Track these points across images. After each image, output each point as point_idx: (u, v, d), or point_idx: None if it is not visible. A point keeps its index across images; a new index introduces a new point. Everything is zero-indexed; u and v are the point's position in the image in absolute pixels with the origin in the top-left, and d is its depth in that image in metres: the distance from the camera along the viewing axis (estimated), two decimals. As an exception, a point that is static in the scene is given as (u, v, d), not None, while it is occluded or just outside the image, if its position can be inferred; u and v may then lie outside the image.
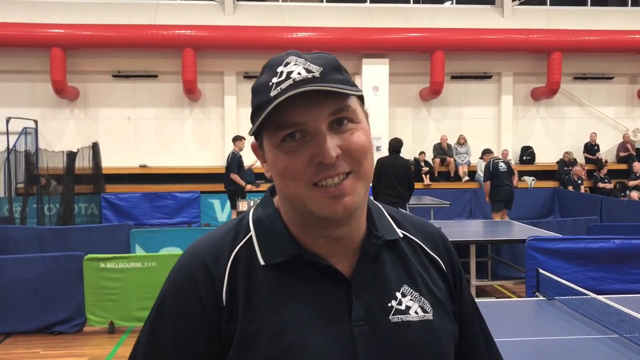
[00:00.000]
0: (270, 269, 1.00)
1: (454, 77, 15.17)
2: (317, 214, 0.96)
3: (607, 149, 15.56)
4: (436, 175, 14.52)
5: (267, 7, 14.78)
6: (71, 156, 11.92)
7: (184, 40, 13.63)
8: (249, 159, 10.34)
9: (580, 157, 15.09)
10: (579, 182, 13.74)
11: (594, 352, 3.07)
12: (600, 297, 3.51)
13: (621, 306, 3.22)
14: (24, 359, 5.26)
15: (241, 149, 10.23)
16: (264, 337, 0.96)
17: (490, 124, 15.51)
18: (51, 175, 12.00)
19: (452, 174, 14.61)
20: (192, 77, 13.76)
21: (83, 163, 12.33)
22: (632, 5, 15.93)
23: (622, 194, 14.08)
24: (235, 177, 10.13)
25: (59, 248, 7.14)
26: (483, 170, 10.40)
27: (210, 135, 14.77)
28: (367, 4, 15.24)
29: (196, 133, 14.81)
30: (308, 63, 0.96)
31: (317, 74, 0.94)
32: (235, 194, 10.25)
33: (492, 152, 10.83)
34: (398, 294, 1.04)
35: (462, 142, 14.78)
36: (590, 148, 15.25)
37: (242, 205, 9.55)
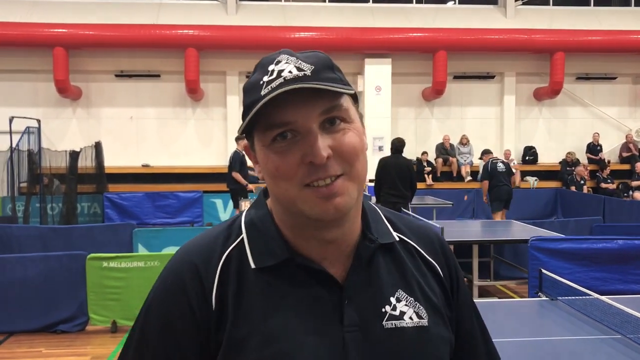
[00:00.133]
0: (261, 272, 0.98)
1: (457, 77, 15.16)
2: (308, 215, 0.94)
3: (610, 149, 15.53)
4: (438, 175, 14.51)
5: (270, 7, 14.78)
6: (74, 155, 11.94)
7: (187, 40, 13.64)
8: (252, 158, 10.33)
9: (583, 158, 15.07)
10: (582, 182, 13.72)
11: (597, 352, 3.06)
12: (603, 298, 3.50)
13: (624, 307, 3.21)
14: (27, 357, 5.26)
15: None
16: (253, 342, 0.94)
17: (493, 124, 15.49)
18: (54, 175, 12.02)
19: (454, 174, 14.60)
20: (195, 77, 13.77)
21: (86, 162, 12.35)
22: (635, 5, 15.88)
23: (625, 194, 14.05)
24: (237, 175, 10.13)
25: (61, 247, 7.14)
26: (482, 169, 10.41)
27: (212, 135, 14.78)
28: (370, 4, 15.23)
29: (199, 133, 14.82)
30: (300, 61, 0.94)
31: (308, 72, 0.92)
32: (237, 193, 10.26)
33: (492, 153, 10.85)
34: (392, 299, 1.01)
35: (464, 142, 14.77)
36: (593, 148, 15.23)
37: (245, 205, 9.54)
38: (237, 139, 10.41)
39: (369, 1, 15.30)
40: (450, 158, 14.62)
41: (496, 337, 3.39)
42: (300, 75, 0.92)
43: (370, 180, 9.37)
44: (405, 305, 1.01)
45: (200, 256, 1.00)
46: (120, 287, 5.73)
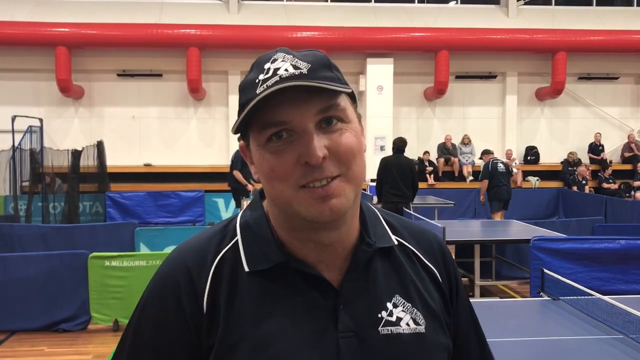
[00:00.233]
0: (255, 275, 0.96)
1: (459, 77, 15.15)
2: (304, 217, 0.92)
3: (612, 149, 15.52)
4: (440, 175, 14.50)
5: (272, 6, 14.78)
6: (76, 155, 11.95)
7: (189, 40, 13.64)
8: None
9: (584, 158, 15.06)
10: (584, 182, 13.71)
11: (600, 352, 3.06)
12: (605, 298, 3.50)
13: (627, 307, 3.21)
14: (29, 356, 5.27)
15: None
16: (244, 348, 0.92)
17: (495, 123, 15.48)
18: (56, 174, 12.02)
19: (456, 174, 14.60)
20: (197, 76, 13.77)
21: (88, 162, 12.35)
22: (637, 5, 15.86)
23: (627, 195, 14.04)
24: (237, 174, 10.13)
25: (63, 246, 7.15)
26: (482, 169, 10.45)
27: (214, 134, 14.79)
28: (372, 4, 15.23)
29: (200, 132, 14.83)
30: (296, 59, 0.92)
31: (304, 71, 0.90)
32: (239, 192, 10.25)
33: (492, 153, 10.88)
34: (389, 305, 0.99)
35: (466, 141, 14.76)
36: (595, 148, 15.21)
37: (246, 204, 9.55)
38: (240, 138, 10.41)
39: (371, 1, 15.30)
40: (452, 158, 14.62)
41: (498, 337, 3.40)
42: (297, 73, 0.90)
43: (372, 180, 9.38)
44: (402, 311, 0.99)
45: (193, 258, 0.99)
46: (122, 286, 5.74)
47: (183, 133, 14.79)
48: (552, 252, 6.03)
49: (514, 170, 14.39)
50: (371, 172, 10.48)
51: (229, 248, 1.00)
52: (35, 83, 14.22)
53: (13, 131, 11.30)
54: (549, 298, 4.04)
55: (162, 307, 0.97)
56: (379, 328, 0.97)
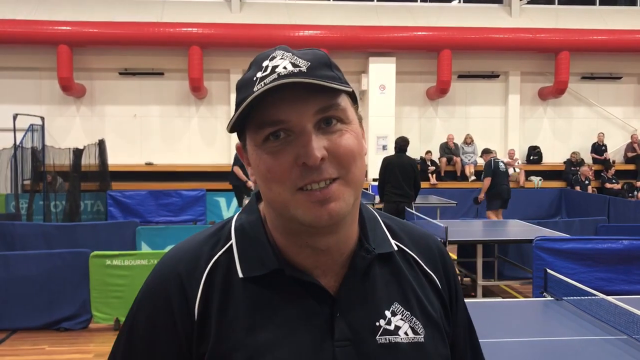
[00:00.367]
0: (249, 282, 0.93)
1: (461, 76, 15.13)
2: (301, 221, 0.89)
3: (615, 149, 15.49)
4: (442, 174, 14.49)
5: (274, 5, 14.77)
6: (77, 153, 11.95)
7: (191, 38, 13.63)
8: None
9: (587, 158, 15.03)
10: (586, 182, 13.68)
11: (603, 353, 3.04)
12: (609, 298, 3.48)
13: (630, 307, 3.19)
14: (30, 355, 5.27)
15: None
16: (238, 357, 0.90)
17: (497, 123, 15.46)
18: (57, 172, 12.03)
19: (458, 174, 14.59)
20: (199, 75, 13.77)
21: (89, 160, 12.36)
22: (641, 5, 15.85)
23: (630, 195, 14.02)
24: (237, 171, 10.12)
25: (65, 245, 7.15)
26: (484, 168, 10.49)
27: (216, 133, 14.78)
28: (374, 2, 15.21)
29: (202, 131, 14.83)
30: (295, 57, 0.89)
31: (303, 69, 0.88)
32: (240, 190, 10.24)
33: (492, 152, 10.93)
34: (387, 313, 0.96)
35: (468, 141, 14.74)
36: (598, 148, 15.18)
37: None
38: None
39: (373, 0, 15.28)
40: (454, 157, 14.60)
41: (501, 337, 3.37)
42: (295, 71, 0.87)
43: (374, 180, 9.37)
44: (401, 319, 0.97)
45: (184, 263, 0.96)
46: (123, 285, 5.74)
47: (185, 132, 14.79)
48: (555, 252, 6.01)
49: (517, 170, 14.40)
50: (373, 171, 10.47)
51: (223, 252, 0.97)
52: (37, 81, 14.23)
53: (15, 129, 11.30)
54: (552, 298, 4.02)
55: (152, 315, 0.95)
56: (377, 337, 0.94)
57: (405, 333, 0.96)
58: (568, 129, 15.68)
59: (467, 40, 14.18)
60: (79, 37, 13.43)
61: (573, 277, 4.64)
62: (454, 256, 7.89)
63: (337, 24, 14.05)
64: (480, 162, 14.25)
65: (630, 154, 15.27)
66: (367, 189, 11.86)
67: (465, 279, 7.48)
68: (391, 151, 9.79)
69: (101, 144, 12.74)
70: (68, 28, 13.38)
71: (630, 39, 14.46)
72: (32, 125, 12.38)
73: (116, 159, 13.55)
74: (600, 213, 10.57)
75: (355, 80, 14.20)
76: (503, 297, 6.97)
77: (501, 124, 15.46)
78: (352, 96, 0.94)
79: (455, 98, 15.24)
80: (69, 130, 14.31)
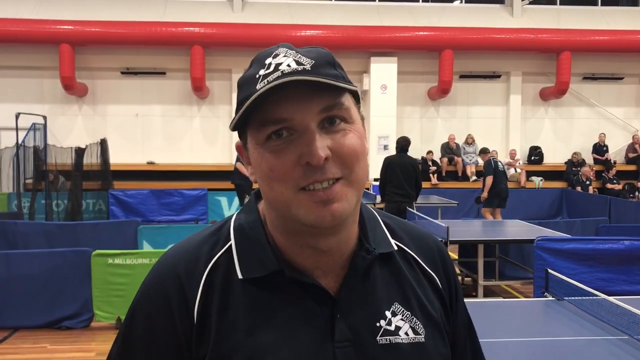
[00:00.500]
0: (249, 283, 0.92)
1: (463, 76, 15.12)
2: (303, 221, 0.88)
3: (616, 150, 15.48)
4: (444, 174, 14.48)
5: (276, 4, 14.77)
6: (79, 152, 11.96)
7: (193, 38, 13.64)
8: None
9: (588, 158, 15.01)
10: (588, 182, 13.67)
11: (605, 353, 3.04)
12: (610, 298, 3.48)
13: (632, 307, 3.19)
14: (32, 353, 5.28)
15: None
16: (237, 358, 0.89)
17: (499, 123, 15.45)
18: (59, 171, 12.04)
19: (459, 174, 14.59)
20: (201, 75, 13.78)
21: (91, 159, 12.36)
22: (642, 5, 15.83)
23: (631, 195, 14.01)
24: (240, 167, 10.10)
25: (67, 244, 7.16)
26: (484, 167, 10.58)
27: (217, 132, 14.79)
28: (376, 2, 15.21)
29: (204, 130, 14.83)
30: (299, 55, 0.88)
31: (307, 67, 0.86)
32: (243, 189, 10.20)
33: (490, 152, 11.03)
34: (388, 313, 0.96)
35: (470, 141, 14.74)
36: (599, 149, 15.17)
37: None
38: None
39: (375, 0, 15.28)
40: (456, 157, 14.60)
41: (502, 337, 3.38)
42: (299, 69, 0.86)
43: (375, 180, 9.37)
44: (401, 319, 0.96)
45: (184, 265, 0.95)
46: (125, 284, 5.75)
47: (186, 131, 14.79)
48: (556, 253, 6.01)
49: (518, 170, 14.40)
50: (375, 171, 10.47)
51: (222, 253, 0.96)
52: (39, 80, 14.24)
53: (17, 128, 11.30)
54: (553, 298, 4.03)
55: (151, 316, 0.94)
56: (377, 337, 0.94)
57: (406, 333, 0.95)
58: (569, 130, 15.67)
59: (468, 41, 14.17)
60: (81, 36, 13.43)
61: (574, 277, 4.65)
62: (455, 256, 7.89)
63: (339, 24, 14.05)
64: (482, 162, 14.29)
65: (631, 155, 15.26)
66: (368, 189, 11.86)
67: (466, 279, 7.48)
68: (392, 151, 9.79)
69: (103, 143, 12.75)
70: (70, 27, 13.39)
71: (632, 40, 14.44)
72: (34, 124, 12.38)
73: (118, 158, 13.57)
74: (601, 213, 10.56)
75: (356, 80, 14.20)
76: (504, 297, 6.97)
77: (502, 124, 15.46)
78: (355, 95, 0.93)
79: (456, 98, 15.23)
80: (71, 130, 14.33)
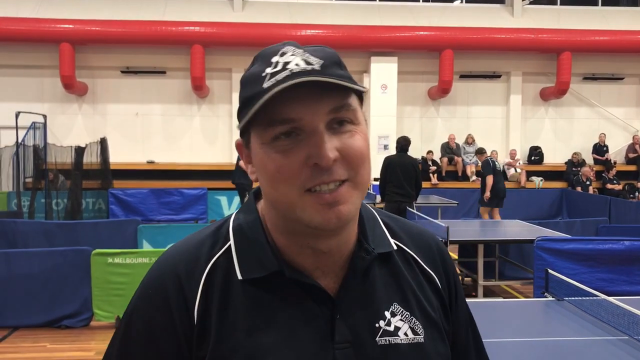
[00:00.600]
0: (248, 284, 0.92)
1: (463, 76, 15.12)
2: (307, 223, 0.87)
3: (616, 150, 15.48)
4: (444, 174, 14.48)
5: (276, 4, 14.77)
6: (79, 151, 11.96)
7: (193, 37, 13.63)
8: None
9: (589, 158, 15.01)
10: (588, 183, 13.67)
11: (605, 353, 3.04)
12: (610, 299, 3.48)
13: (632, 308, 3.19)
14: (31, 352, 5.27)
15: None
16: (237, 359, 0.89)
17: (499, 123, 15.45)
18: (59, 170, 12.04)
19: (459, 174, 14.59)
20: (201, 74, 13.77)
21: (91, 158, 12.37)
22: (643, 6, 15.83)
23: (631, 195, 14.01)
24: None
25: (66, 242, 7.16)
26: (482, 167, 10.62)
27: (217, 132, 14.79)
28: (377, 2, 15.20)
29: (204, 130, 14.83)
30: (307, 54, 0.87)
31: (317, 67, 0.85)
32: (244, 188, 10.18)
33: (486, 152, 11.11)
34: (387, 314, 0.95)
35: (470, 141, 14.74)
36: (599, 149, 15.17)
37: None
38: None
39: (375, -1, 15.29)
40: (456, 157, 14.60)
41: (502, 337, 3.37)
42: (309, 69, 0.85)
43: (375, 179, 9.37)
44: (400, 320, 0.96)
45: (183, 265, 0.94)
46: (124, 283, 5.75)
47: (186, 130, 14.79)
48: (556, 253, 6.01)
49: (518, 170, 14.41)
50: (375, 171, 10.46)
51: (222, 253, 0.95)
52: (39, 79, 14.24)
53: (17, 127, 11.30)
54: (553, 298, 4.03)
55: (151, 315, 0.93)
56: (377, 338, 0.93)
57: (405, 334, 0.95)
58: (569, 130, 15.67)
59: (469, 40, 14.17)
60: (81, 35, 13.43)
61: (574, 277, 4.65)
62: (454, 256, 7.89)
63: (339, 24, 14.05)
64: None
65: (631, 155, 15.25)
66: (368, 189, 11.85)
67: (466, 279, 7.48)
68: (392, 151, 9.80)
69: (103, 142, 12.75)
70: (70, 26, 13.38)
71: (633, 40, 14.44)
72: (34, 123, 12.38)
73: (118, 157, 13.57)
74: (601, 214, 10.56)
75: (357, 79, 14.09)
76: (504, 297, 6.97)
77: (503, 124, 15.46)
78: (360, 97, 0.92)
79: (456, 98, 15.23)
80: (71, 128, 14.32)
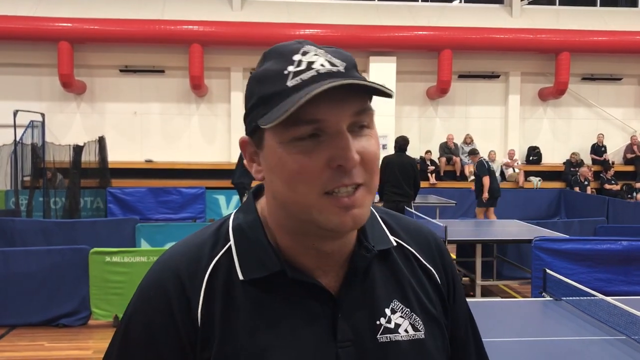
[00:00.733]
0: (250, 284, 0.91)
1: (462, 76, 15.12)
2: (323, 225, 0.86)
3: (614, 151, 15.49)
4: (442, 174, 14.49)
5: (275, 3, 14.76)
6: (77, 150, 11.95)
7: (192, 36, 13.63)
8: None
9: (587, 158, 15.03)
10: (586, 183, 13.69)
11: (602, 353, 3.05)
12: (608, 299, 3.48)
13: (629, 308, 3.19)
14: (29, 351, 5.27)
15: None
16: None
17: (497, 123, 15.46)
18: (57, 169, 12.03)
19: (458, 174, 14.59)
20: (199, 73, 13.76)
21: (89, 157, 12.36)
22: (641, 6, 15.84)
23: (629, 196, 14.02)
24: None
25: (64, 241, 7.16)
26: (477, 168, 10.66)
27: (216, 131, 14.77)
28: (375, 2, 15.21)
29: (202, 129, 14.82)
30: (329, 55, 0.87)
31: (341, 69, 0.86)
32: (245, 187, 10.15)
33: (479, 153, 11.20)
34: (387, 311, 0.95)
35: (468, 141, 14.74)
36: (597, 149, 15.18)
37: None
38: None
39: (374, -1, 15.29)
40: (454, 157, 14.61)
41: (500, 337, 3.37)
42: (334, 70, 0.85)
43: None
44: (401, 316, 0.96)
45: (184, 266, 0.93)
46: (122, 282, 5.75)
47: (185, 129, 14.78)
48: (554, 253, 6.02)
49: (516, 170, 14.42)
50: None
51: (223, 254, 0.94)
52: (38, 78, 14.22)
53: (15, 126, 11.29)
54: (551, 298, 4.03)
55: (152, 318, 0.92)
56: (378, 336, 0.94)
57: (406, 330, 0.95)
58: (568, 130, 15.68)
59: (467, 40, 14.17)
60: (79, 33, 13.42)
61: (572, 277, 4.65)
62: (452, 256, 7.89)
63: (338, 23, 14.04)
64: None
65: (629, 155, 15.27)
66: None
67: (464, 278, 7.48)
68: (391, 150, 9.78)
69: (101, 141, 12.74)
70: (69, 25, 13.37)
71: (631, 40, 14.46)
72: (32, 121, 12.37)
73: (116, 156, 13.55)
74: (599, 214, 10.57)
75: (355, 79, 14.17)
76: (502, 297, 6.97)
77: (501, 124, 15.47)
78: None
79: (455, 98, 15.23)
80: (69, 127, 14.30)
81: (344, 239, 0.93)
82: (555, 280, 4.13)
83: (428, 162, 14.36)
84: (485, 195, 10.36)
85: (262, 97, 0.87)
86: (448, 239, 6.16)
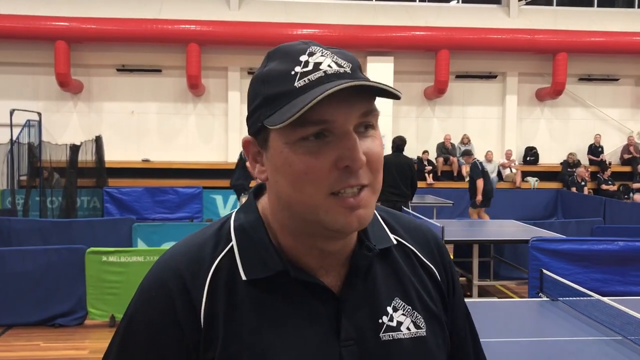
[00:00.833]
0: (253, 284, 0.91)
1: (459, 77, 15.13)
2: (329, 226, 0.87)
3: (612, 151, 15.52)
4: (439, 174, 14.50)
5: (272, 3, 14.75)
6: (74, 149, 11.94)
7: (189, 35, 13.61)
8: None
9: (584, 159, 15.06)
10: (583, 183, 13.71)
11: (599, 354, 3.05)
12: (604, 299, 3.49)
13: (626, 308, 3.20)
14: (25, 351, 5.25)
15: None
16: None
17: (495, 123, 15.48)
18: (54, 168, 12.02)
19: (455, 174, 14.60)
20: (196, 72, 13.75)
21: (86, 156, 12.35)
22: (638, 7, 15.86)
23: (626, 196, 14.04)
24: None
25: (61, 241, 7.14)
26: (471, 169, 10.71)
27: (213, 130, 14.76)
28: (373, 2, 15.20)
29: (199, 128, 14.80)
30: (335, 57, 0.88)
31: (348, 70, 0.87)
32: (243, 189, 10.12)
33: (473, 154, 11.24)
34: (389, 309, 0.96)
35: (465, 141, 14.76)
36: (595, 150, 15.21)
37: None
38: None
39: (372, -1, 15.29)
40: (451, 157, 14.62)
41: (496, 337, 3.38)
42: (341, 71, 0.86)
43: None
44: (402, 314, 0.96)
45: (187, 267, 0.92)
46: (119, 282, 5.73)
47: (182, 129, 14.76)
48: (550, 253, 6.03)
49: (513, 170, 14.43)
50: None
51: (225, 254, 0.94)
52: (34, 77, 14.19)
53: (11, 125, 11.27)
54: (548, 299, 4.03)
55: (154, 318, 0.91)
56: (380, 334, 0.94)
57: (408, 328, 0.96)
58: (565, 130, 15.71)
59: (465, 41, 14.18)
60: (76, 33, 13.39)
61: (569, 277, 4.66)
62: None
63: (335, 23, 14.04)
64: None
65: (626, 156, 15.30)
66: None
67: (461, 278, 7.49)
68: (388, 150, 9.79)
69: (98, 141, 12.73)
70: (66, 24, 13.34)
71: (628, 41, 14.49)
72: (29, 120, 12.35)
73: (113, 155, 13.54)
74: (596, 214, 10.59)
75: (353, 79, 14.17)
76: (499, 297, 6.98)
77: (498, 124, 15.48)
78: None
79: (452, 98, 15.25)
80: (66, 126, 14.27)
81: (347, 238, 0.94)
82: (552, 280, 4.14)
83: (425, 162, 14.37)
84: (479, 197, 10.39)
85: (268, 98, 0.87)
86: (445, 239, 6.16)
